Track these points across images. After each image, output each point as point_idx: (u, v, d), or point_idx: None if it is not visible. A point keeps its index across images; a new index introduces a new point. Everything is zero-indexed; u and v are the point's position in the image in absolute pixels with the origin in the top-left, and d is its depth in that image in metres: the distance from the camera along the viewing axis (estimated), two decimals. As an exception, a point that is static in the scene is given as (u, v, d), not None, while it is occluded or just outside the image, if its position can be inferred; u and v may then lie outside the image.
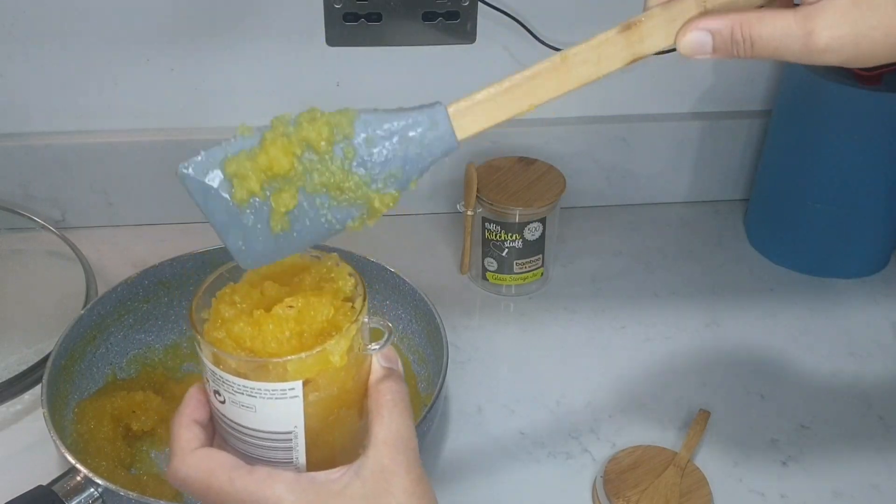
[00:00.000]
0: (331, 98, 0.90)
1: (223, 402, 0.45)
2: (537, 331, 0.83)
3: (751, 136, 0.97)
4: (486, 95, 0.45)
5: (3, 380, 0.72)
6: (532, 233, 0.83)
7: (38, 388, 0.70)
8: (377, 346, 0.47)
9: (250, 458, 0.46)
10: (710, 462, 0.70)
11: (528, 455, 0.72)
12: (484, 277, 0.87)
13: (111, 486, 0.59)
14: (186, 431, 0.47)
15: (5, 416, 0.72)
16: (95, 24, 0.83)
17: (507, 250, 0.84)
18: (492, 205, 0.82)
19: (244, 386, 0.44)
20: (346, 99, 0.90)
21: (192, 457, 0.46)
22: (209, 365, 0.44)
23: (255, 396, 0.44)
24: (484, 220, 0.83)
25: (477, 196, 0.82)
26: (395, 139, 0.44)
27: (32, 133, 0.89)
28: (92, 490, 0.60)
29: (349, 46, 0.86)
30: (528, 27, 0.86)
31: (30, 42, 0.83)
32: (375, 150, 0.45)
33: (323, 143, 0.44)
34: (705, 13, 0.43)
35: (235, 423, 0.46)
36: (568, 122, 0.95)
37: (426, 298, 0.73)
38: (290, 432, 0.45)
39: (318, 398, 0.45)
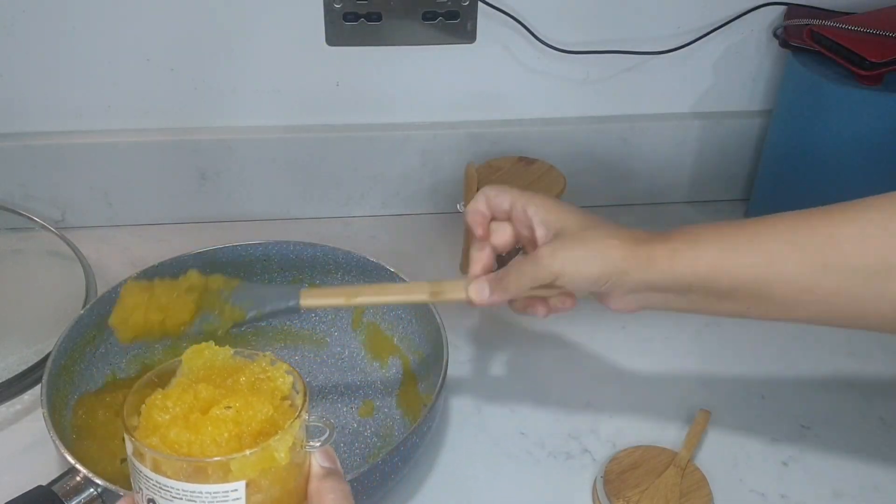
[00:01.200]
0: (330, 98, 0.90)
1: None
2: (537, 331, 0.83)
3: (751, 136, 0.97)
4: (332, 289, 0.71)
5: (3, 380, 0.72)
6: (532, 233, 0.83)
7: (37, 388, 0.70)
8: (318, 443, 0.46)
9: None
10: (711, 462, 0.70)
11: (528, 455, 0.71)
12: (484, 277, 0.87)
13: (111, 486, 0.59)
14: None
15: (5, 416, 0.72)
16: (95, 23, 0.83)
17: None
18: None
19: (185, 490, 0.42)
20: (346, 98, 0.91)
21: None
22: (145, 471, 0.42)
23: (195, 501, 0.42)
24: (484, 219, 0.83)
25: (477, 196, 0.82)
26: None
27: (32, 133, 0.88)
28: (91, 490, 0.59)
29: (349, 46, 0.86)
30: (528, 27, 0.86)
31: (29, 41, 0.83)
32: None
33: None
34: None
35: None
36: (568, 122, 0.95)
37: (426, 298, 0.73)
38: None
39: (260, 500, 0.43)
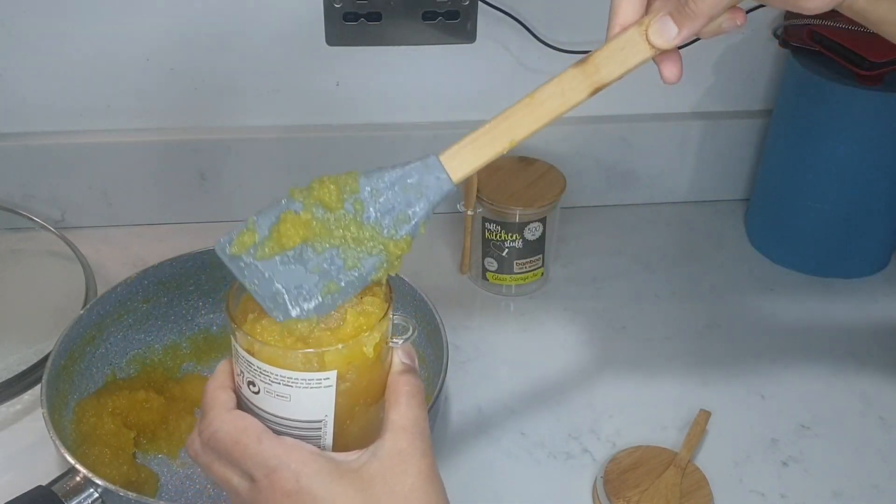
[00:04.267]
0: (330, 98, 0.90)
1: (257, 393, 0.48)
2: (537, 331, 0.83)
3: (751, 136, 0.97)
4: (470, 139, 0.50)
5: (3, 380, 0.72)
6: (532, 233, 0.83)
7: (37, 388, 0.70)
8: (401, 340, 0.51)
9: None
10: (711, 462, 0.70)
11: (528, 455, 0.71)
12: (484, 277, 0.87)
13: (110, 487, 0.59)
14: (223, 393, 0.49)
15: (5, 416, 0.72)
16: (95, 23, 0.83)
17: (507, 250, 0.84)
18: (492, 205, 0.82)
19: (282, 376, 0.46)
20: (346, 98, 0.91)
21: (228, 414, 0.48)
22: (245, 356, 0.47)
23: (292, 386, 0.46)
24: (484, 220, 0.83)
25: (477, 196, 0.82)
26: (396, 188, 0.48)
27: (32, 133, 0.88)
28: (91, 490, 0.59)
29: (349, 46, 0.86)
30: (528, 27, 0.86)
31: (29, 41, 0.83)
32: (381, 200, 0.48)
33: (333, 200, 0.48)
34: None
35: (268, 412, 0.48)
36: (568, 122, 0.94)
37: (426, 298, 0.73)
38: (320, 420, 0.48)
39: (347, 388, 0.47)
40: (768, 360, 0.81)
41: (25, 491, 0.59)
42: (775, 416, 0.75)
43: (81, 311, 0.72)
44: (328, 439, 0.49)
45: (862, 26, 0.80)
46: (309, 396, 0.47)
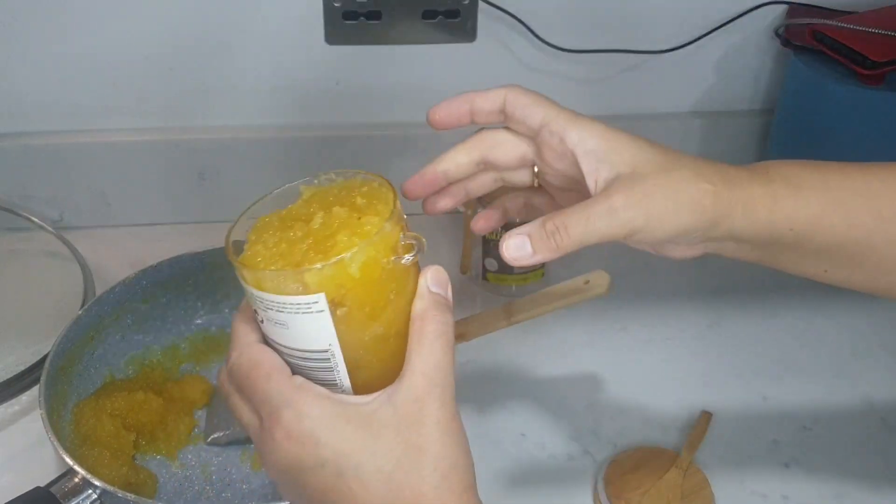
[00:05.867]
0: (330, 97, 0.90)
1: (262, 322, 0.46)
2: (537, 331, 0.83)
3: (753, 136, 0.97)
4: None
5: (1, 381, 0.72)
6: (533, 233, 0.83)
7: (35, 389, 0.70)
8: (404, 258, 0.45)
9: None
10: (712, 463, 0.70)
11: (528, 456, 0.71)
12: (484, 278, 0.86)
13: (109, 488, 0.59)
14: (245, 325, 0.47)
15: (3, 417, 0.72)
16: (93, 23, 0.82)
17: (507, 250, 0.83)
18: (492, 204, 0.81)
19: (272, 301, 0.44)
20: (346, 97, 0.90)
21: (247, 347, 0.46)
22: (243, 285, 0.45)
23: (284, 312, 0.44)
24: (484, 219, 0.83)
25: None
26: None
27: (30, 133, 0.88)
28: (90, 491, 0.59)
29: (349, 45, 0.86)
30: (529, 26, 0.86)
31: (28, 41, 0.83)
32: None
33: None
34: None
35: (276, 342, 0.46)
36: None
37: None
38: (325, 350, 0.45)
39: (346, 314, 0.44)
40: (770, 361, 0.80)
41: (24, 492, 0.59)
42: (777, 417, 0.75)
43: (80, 312, 0.72)
44: (342, 375, 0.46)
45: (863, 26, 0.81)
46: (305, 323, 0.44)
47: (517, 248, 0.46)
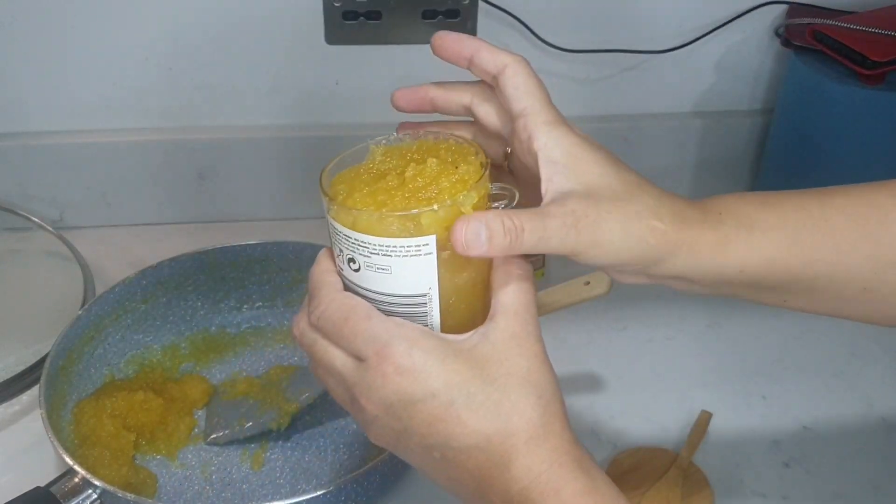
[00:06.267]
0: (330, 97, 0.90)
1: (358, 270, 0.46)
2: (538, 331, 0.83)
3: (753, 135, 0.97)
4: None
5: (1, 380, 0.72)
6: (533, 233, 0.83)
7: (35, 389, 0.70)
8: (501, 205, 0.48)
9: None
10: (712, 463, 0.70)
11: (528, 456, 0.71)
12: (484, 277, 0.86)
13: (109, 488, 0.59)
14: (329, 276, 0.48)
15: (3, 417, 0.72)
16: (93, 23, 0.82)
17: (507, 250, 0.83)
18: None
19: (380, 245, 0.45)
20: (346, 97, 0.90)
21: (337, 294, 0.46)
22: (343, 230, 0.45)
23: (391, 255, 0.45)
24: (484, 219, 0.83)
25: (477, 196, 0.82)
26: None
27: (30, 132, 0.88)
28: (90, 491, 0.59)
29: (349, 45, 0.86)
30: (529, 26, 0.86)
31: (28, 41, 0.83)
32: None
33: None
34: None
35: (371, 290, 0.47)
36: (569, 122, 0.94)
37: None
38: (424, 294, 0.46)
39: (449, 257, 0.46)
40: (770, 361, 0.80)
41: (24, 492, 0.59)
42: (777, 417, 0.75)
43: (80, 312, 0.72)
44: (435, 318, 0.47)
45: (864, 26, 0.81)
46: (410, 266, 0.45)
47: (474, 235, 0.44)
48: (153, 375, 0.75)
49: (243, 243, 0.79)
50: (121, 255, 0.89)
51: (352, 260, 0.46)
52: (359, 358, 0.45)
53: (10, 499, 0.58)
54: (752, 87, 0.95)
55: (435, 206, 0.44)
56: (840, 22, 0.81)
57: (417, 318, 0.47)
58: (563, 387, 0.77)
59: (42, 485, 0.60)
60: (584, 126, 1.03)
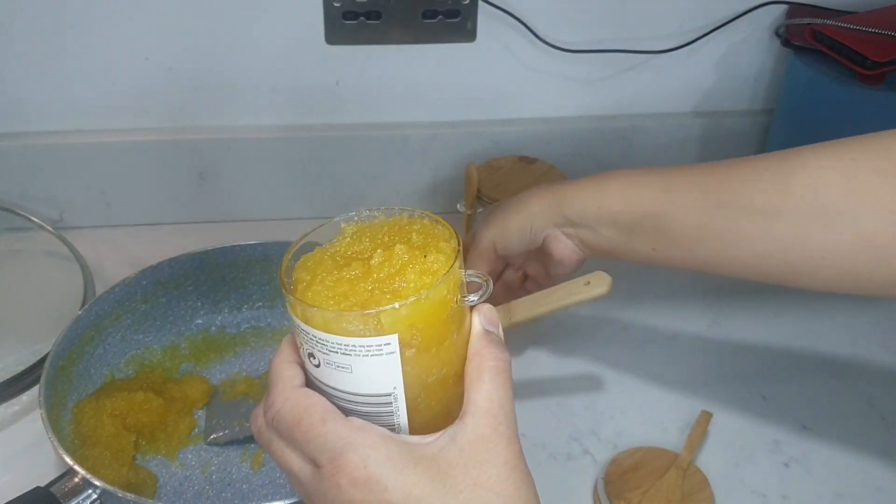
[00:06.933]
0: (330, 97, 0.90)
1: (318, 366, 0.44)
2: (537, 331, 0.83)
3: (753, 135, 0.97)
4: None
5: (1, 381, 0.72)
6: (533, 233, 0.83)
7: (35, 389, 0.69)
8: (475, 298, 0.45)
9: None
10: (712, 463, 0.70)
11: (528, 456, 0.70)
12: (484, 277, 0.86)
13: (109, 488, 0.59)
14: (288, 368, 0.45)
15: (3, 417, 0.72)
16: (93, 22, 0.82)
17: (507, 250, 0.83)
18: (492, 204, 0.81)
19: (339, 343, 0.42)
20: (346, 97, 0.90)
21: (293, 392, 0.44)
22: (301, 325, 0.43)
23: (350, 354, 0.42)
24: (484, 219, 0.83)
25: (477, 195, 0.82)
26: None
27: (30, 132, 0.88)
28: (90, 491, 0.59)
29: (348, 45, 0.86)
30: (529, 26, 0.86)
31: (27, 40, 0.83)
32: None
33: None
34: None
35: (332, 387, 0.44)
36: (569, 122, 0.94)
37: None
38: (389, 394, 0.44)
39: (414, 355, 0.43)
40: (770, 361, 0.80)
41: (24, 492, 0.59)
42: (777, 417, 0.75)
43: (80, 312, 0.72)
44: (402, 417, 0.44)
45: (864, 26, 0.81)
46: (371, 366, 0.42)
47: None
48: (153, 375, 0.75)
49: (243, 243, 0.79)
50: (121, 255, 0.89)
51: (311, 355, 0.44)
52: (314, 464, 0.43)
53: (10, 499, 0.58)
54: (752, 87, 0.95)
55: (396, 304, 0.41)
56: (840, 22, 0.81)
57: (383, 416, 0.44)
58: (564, 387, 0.78)
59: (42, 485, 0.60)
60: (584, 125, 1.04)
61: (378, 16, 0.83)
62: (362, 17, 0.83)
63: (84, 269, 0.82)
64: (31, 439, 0.69)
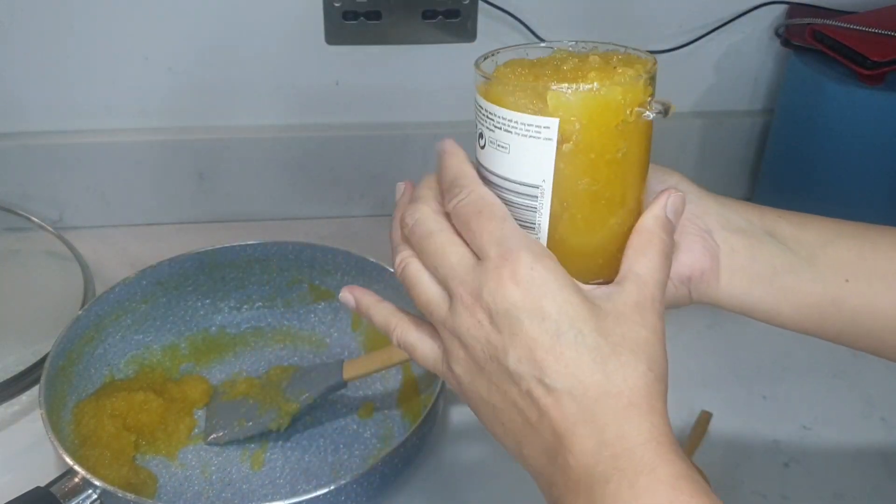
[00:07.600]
0: (330, 97, 0.90)
1: (483, 147, 0.46)
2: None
3: (753, 135, 0.97)
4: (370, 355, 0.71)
5: (1, 381, 0.72)
6: (533, 232, 0.83)
7: (35, 389, 0.69)
8: (651, 113, 0.45)
9: None
10: (712, 463, 0.70)
11: (528, 456, 0.71)
12: (484, 277, 0.86)
13: (109, 488, 0.59)
14: (471, 168, 0.47)
15: (3, 417, 0.72)
16: (93, 22, 0.82)
17: (507, 250, 0.83)
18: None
19: (503, 118, 0.44)
20: (346, 97, 0.90)
21: (479, 187, 0.45)
22: (478, 99, 0.45)
23: (511, 132, 0.44)
24: (484, 219, 0.83)
25: (477, 195, 0.82)
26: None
27: (30, 132, 0.88)
28: (90, 491, 0.59)
29: (348, 45, 0.86)
30: (529, 26, 0.86)
31: (27, 41, 0.83)
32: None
33: None
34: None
35: (490, 170, 0.46)
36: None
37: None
38: (537, 186, 0.44)
39: (570, 150, 0.43)
40: (770, 361, 0.80)
41: (24, 492, 0.59)
42: (777, 417, 0.75)
43: (80, 312, 0.72)
44: (544, 217, 0.45)
45: (864, 26, 0.81)
46: (527, 148, 0.43)
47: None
48: (153, 376, 0.75)
49: (243, 243, 0.79)
50: (121, 255, 0.89)
51: (480, 135, 0.46)
52: (478, 256, 0.43)
53: (10, 499, 0.58)
54: (752, 87, 0.95)
55: (564, 86, 0.42)
56: (840, 22, 0.81)
57: (526, 212, 0.45)
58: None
59: (42, 485, 0.60)
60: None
61: (378, 16, 0.83)
62: (362, 17, 0.83)
63: (84, 269, 0.82)
64: (31, 439, 0.69)
